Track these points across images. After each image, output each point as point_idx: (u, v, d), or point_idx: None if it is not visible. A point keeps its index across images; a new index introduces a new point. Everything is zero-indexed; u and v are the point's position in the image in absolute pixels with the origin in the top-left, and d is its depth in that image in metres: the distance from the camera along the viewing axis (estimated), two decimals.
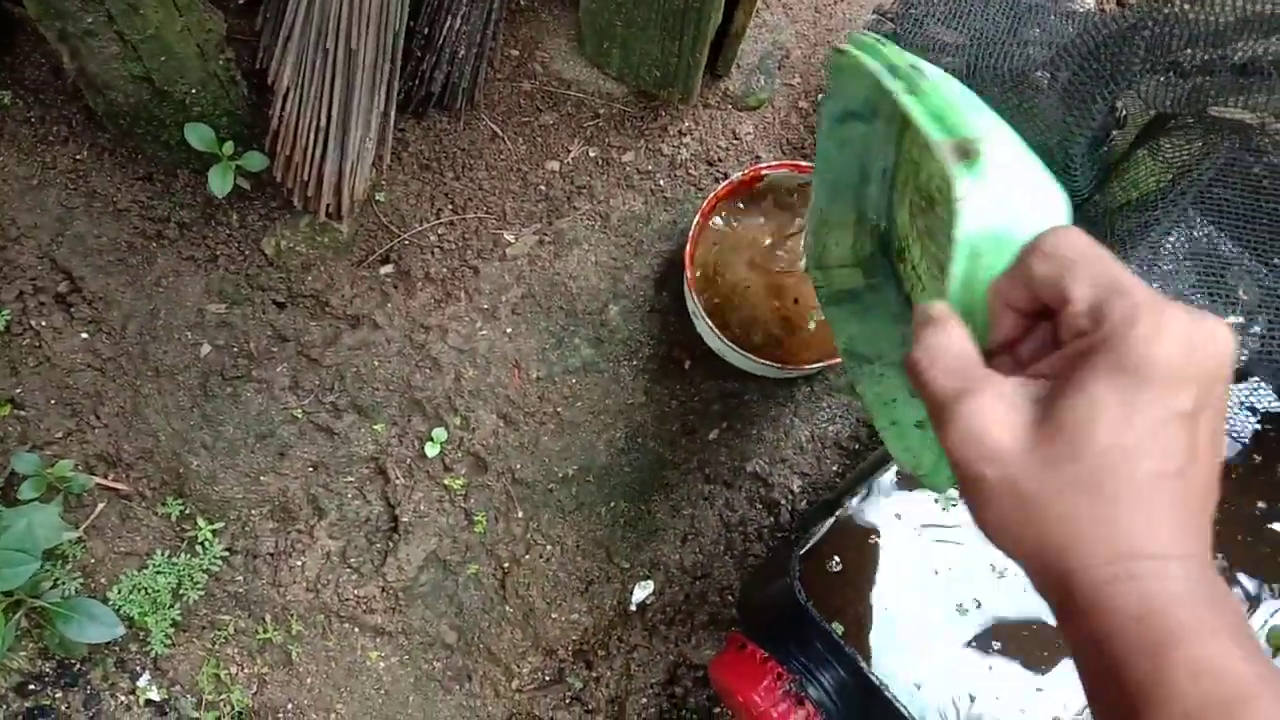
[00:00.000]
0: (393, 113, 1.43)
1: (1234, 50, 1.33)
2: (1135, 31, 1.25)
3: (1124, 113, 1.51)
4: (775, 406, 1.60)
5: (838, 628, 1.16)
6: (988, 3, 1.61)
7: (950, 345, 0.55)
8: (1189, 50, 1.33)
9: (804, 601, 1.15)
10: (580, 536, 1.60)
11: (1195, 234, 1.36)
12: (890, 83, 0.74)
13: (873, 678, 1.12)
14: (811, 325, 1.57)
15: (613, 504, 1.60)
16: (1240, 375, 1.28)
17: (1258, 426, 1.31)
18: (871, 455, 1.31)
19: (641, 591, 1.60)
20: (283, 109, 1.36)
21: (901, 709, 1.12)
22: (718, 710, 1.53)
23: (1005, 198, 0.62)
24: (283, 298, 1.60)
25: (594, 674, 1.58)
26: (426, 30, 1.43)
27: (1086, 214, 1.46)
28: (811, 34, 1.77)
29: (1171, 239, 1.34)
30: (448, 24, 1.40)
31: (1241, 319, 1.33)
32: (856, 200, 1.12)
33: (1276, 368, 1.24)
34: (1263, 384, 1.31)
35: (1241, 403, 1.31)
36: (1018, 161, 0.65)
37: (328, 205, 1.47)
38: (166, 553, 1.58)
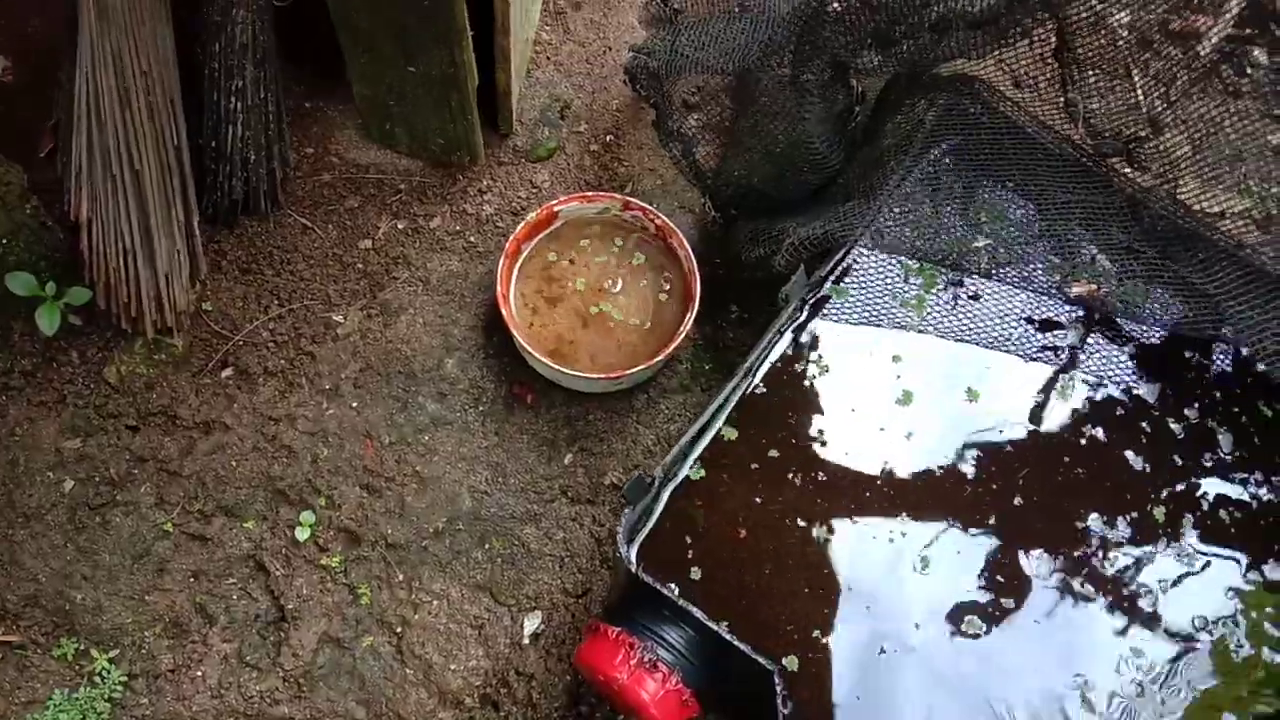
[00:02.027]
0: (196, 223, 1.57)
1: (926, 15, 1.52)
2: (819, 18, 1.44)
3: (860, 89, 1.70)
4: (618, 419, 1.72)
5: (673, 588, 1.27)
6: (729, 22, 1.81)
7: None
8: (883, 23, 1.52)
9: (635, 569, 1.26)
10: (463, 585, 1.69)
11: (939, 178, 1.53)
12: None
13: (711, 626, 1.22)
14: (634, 338, 1.71)
15: (487, 545, 1.70)
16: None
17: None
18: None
19: (531, 623, 1.69)
20: (89, 238, 1.49)
21: (744, 650, 1.22)
22: (621, 719, 1.61)
23: None
24: (134, 420, 1.70)
25: (501, 713, 1.65)
26: (214, 143, 1.58)
27: (844, 182, 1.63)
28: (588, 84, 1.96)
29: (908, 184, 1.50)
30: (231, 134, 1.56)
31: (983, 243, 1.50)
32: None
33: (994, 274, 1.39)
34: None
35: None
36: None
37: (154, 321, 1.59)
38: (66, 691, 1.63)
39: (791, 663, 1.26)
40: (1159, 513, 1.41)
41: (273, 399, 1.70)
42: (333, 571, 1.68)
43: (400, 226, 1.76)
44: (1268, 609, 1.38)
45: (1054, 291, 1.49)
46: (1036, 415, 1.45)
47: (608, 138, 1.95)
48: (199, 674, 1.66)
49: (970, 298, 1.55)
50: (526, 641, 1.68)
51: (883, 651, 1.31)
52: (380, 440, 1.70)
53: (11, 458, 1.67)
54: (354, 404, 1.71)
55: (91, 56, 1.37)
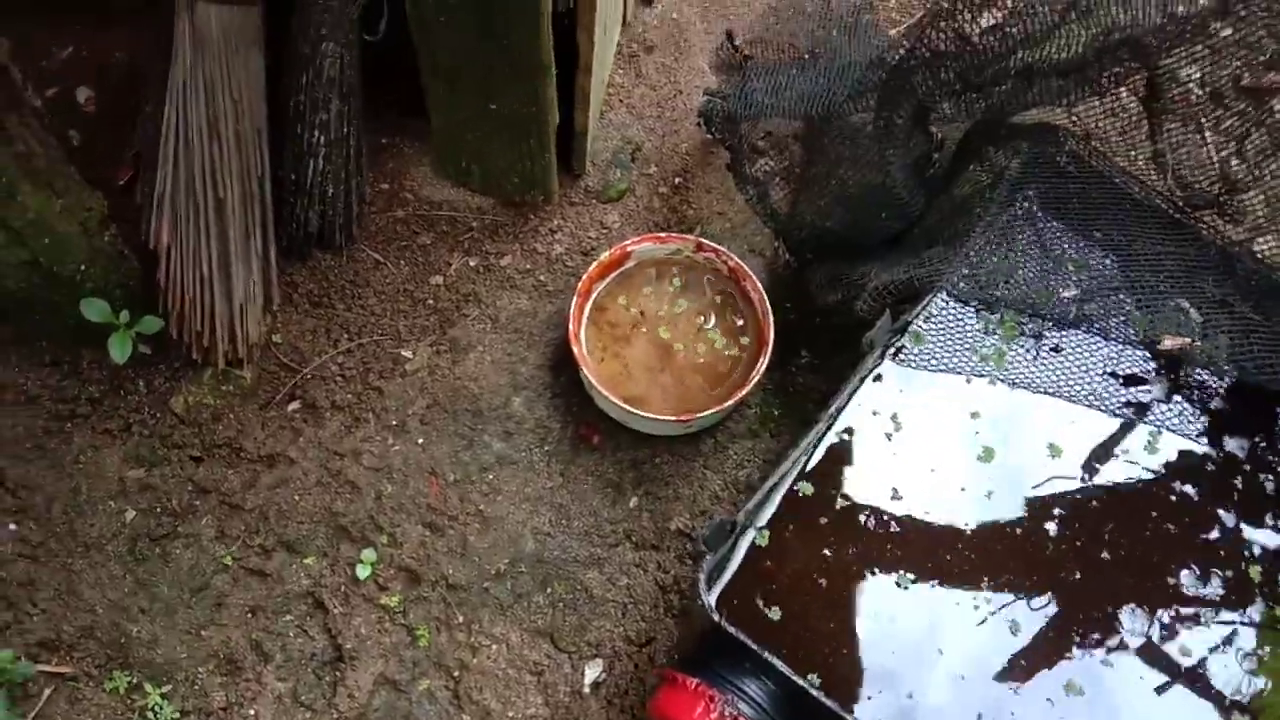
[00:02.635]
0: (273, 255, 1.58)
1: (1013, 61, 1.52)
2: (909, 62, 1.44)
3: (939, 136, 1.70)
4: (685, 463, 1.71)
5: (775, 611, 1.24)
6: (803, 69, 1.82)
7: None
8: (971, 68, 1.52)
9: (718, 618, 1.24)
10: (523, 629, 1.67)
11: (1026, 223, 1.52)
12: None
13: (797, 681, 1.20)
14: (705, 382, 1.70)
15: (549, 589, 1.68)
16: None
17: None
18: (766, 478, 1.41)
19: (592, 672, 1.66)
20: (167, 266, 1.51)
21: (830, 706, 1.19)
22: None
23: None
24: (198, 451, 1.70)
25: None
26: (294, 176, 1.60)
27: (925, 227, 1.62)
28: (659, 127, 1.97)
29: (994, 230, 1.50)
30: (312, 167, 1.57)
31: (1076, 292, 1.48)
32: None
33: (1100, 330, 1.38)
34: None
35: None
36: None
37: (225, 352, 1.60)
38: None
39: None
40: (1254, 571, 1.37)
41: (338, 434, 1.70)
42: (392, 611, 1.67)
43: (472, 264, 1.77)
44: None
45: (1143, 345, 1.47)
46: (1121, 471, 1.43)
47: (676, 180, 1.96)
48: (252, 713, 1.64)
49: (1051, 350, 1.53)
50: (587, 690, 1.65)
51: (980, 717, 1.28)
52: (445, 478, 1.70)
53: (74, 486, 1.68)
54: (420, 440, 1.70)
55: (184, 84, 1.39)
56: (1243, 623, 1.36)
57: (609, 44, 1.84)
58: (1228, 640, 1.36)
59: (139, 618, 1.66)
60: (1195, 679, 1.33)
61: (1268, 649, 1.35)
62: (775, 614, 1.30)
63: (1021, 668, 1.32)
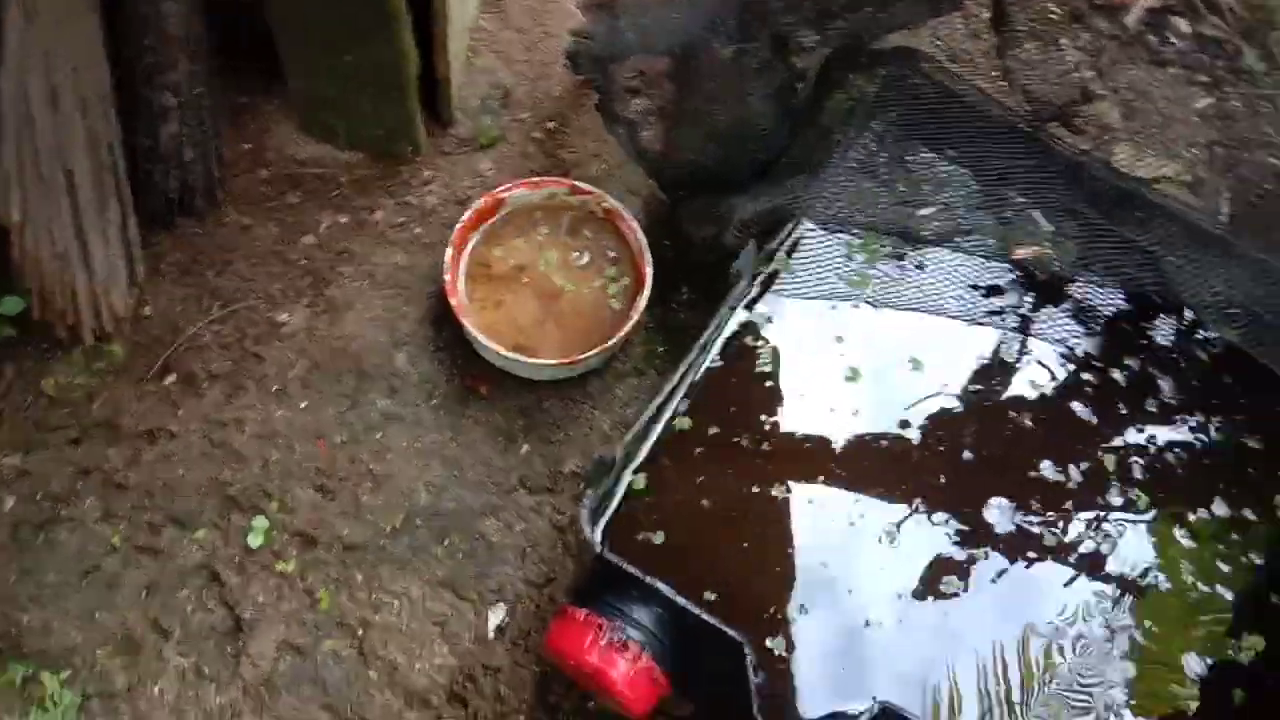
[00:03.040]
0: (133, 225, 1.56)
1: None
2: None
3: (799, 66, 1.73)
4: (574, 406, 1.74)
5: (638, 566, 1.29)
6: (669, 3, 1.83)
7: None
8: None
9: (600, 549, 1.28)
10: (424, 582, 1.69)
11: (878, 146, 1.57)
12: None
13: (676, 599, 1.25)
14: (586, 324, 1.73)
15: (446, 541, 1.70)
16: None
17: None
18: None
19: (495, 617, 1.70)
20: (21, 245, 1.47)
21: (713, 624, 1.24)
22: (591, 704, 1.62)
23: None
24: (76, 433, 1.68)
25: (470, 709, 1.66)
26: (148, 142, 1.57)
27: (791, 157, 1.66)
28: (529, 71, 1.98)
29: (852, 156, 1.55)
30: (165, 131, 1.55)
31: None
32: None
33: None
34: None
35: None
36: None
37: (93, 329, 1.57)
38: (18, 718, 1.60)
39: (778, 644, 1.30)
40: (1110, 460, 1.47)
41: (219, 403, 1.69)
42: (289, 577, 1.68)
43: (343, 221, 1.77)
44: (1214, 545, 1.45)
45: (999, 256, 1.54)
46: (981, 378, 1.51)
47: (551, 124, 1.97)
48: (156, 691, 1.64)
49: (916, 267, 1.60)
50: (491, 635, 1.69)
51: (867, 625, 1.35)
52: (332, 440, 1.70)
53: None
54: (303, 404, 1.70)
55: (19, 54, 1.35)
56: (1101, 507, 1.46)
57: None
58: (1093, 524, 1.46)
59: (28, 606, 1.64)
60: (1066, 561, 1.42)
61: (1126, 528, 1.45)
62: (659, 539, 1.35)
63: (903, 572, 1.39)
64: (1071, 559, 1.42)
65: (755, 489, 1.42)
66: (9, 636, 1.63)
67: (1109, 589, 1.42)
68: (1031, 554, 1.42)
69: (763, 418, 1.46)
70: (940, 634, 1.36)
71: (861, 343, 1.51)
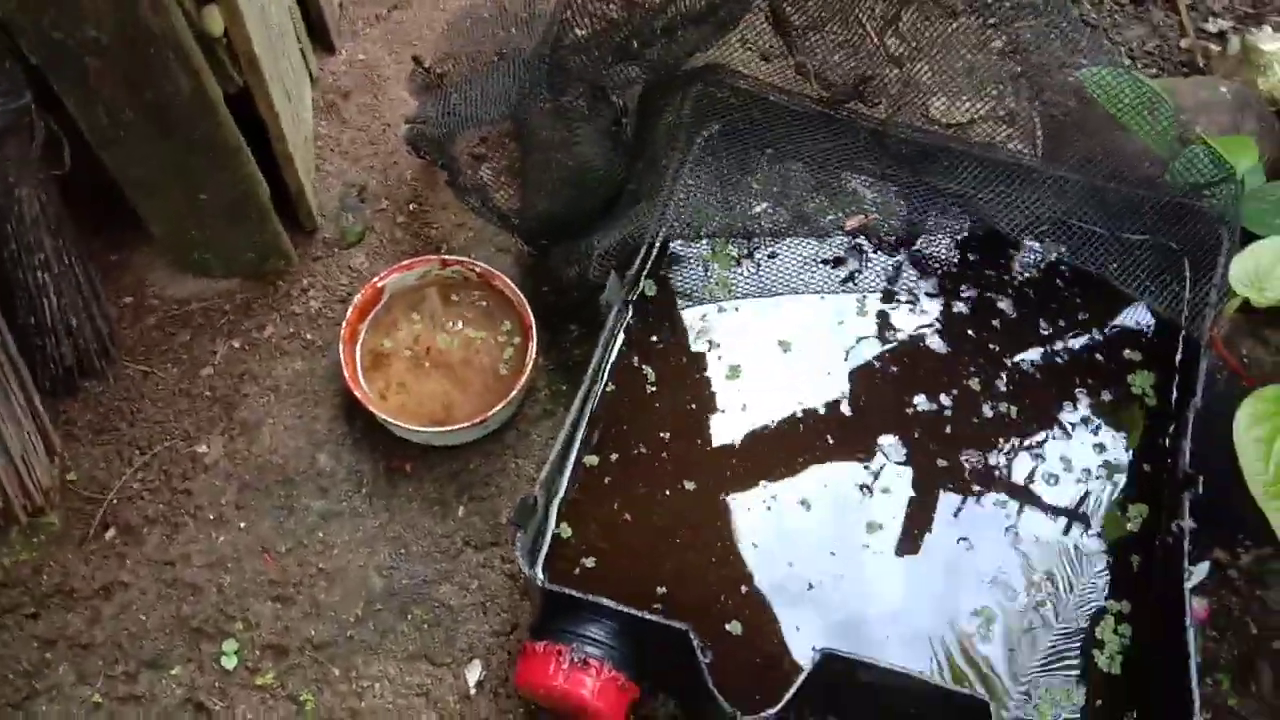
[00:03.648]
0: (38, 401, 1.64)
1: (657, 22, 1.71)
2: (560, 49, 1.62)
3: (620, 102, 1.89)
4: (497, 460, 1.86)
5: (578, 589, 1.42)
6: (493, 71, 1.97)
7: None
8: (621, 39, 1.71)
9: (541, 582, 1.40)
10: (398, 660, 1.79)
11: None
12: None
13: (616, 608, 1.37)
14: (488, 382, 1.85)
15: (409, 616, 1.80)
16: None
17: None
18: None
19: (473, 674, 1.80)
20: None
21: (657, 621, 1.37)
22: None
23: None
24: (32, 608, 1.74)
25: None
26: (33, 320, 1.66)
27: (630, 189, 1.81)
28: (377, 164, 2.10)
29: (685, 175, 1.70)
30: (47, 307, 1.63)
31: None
32: None
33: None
34: None
35: None
36: None
37: (24, 506, 1.65)
38: None
39: (734, 626, 1.44)
40: (975, 383, 1.64)
41: (162, 544, 1.77)
42: (270, 688, 1.76)
43: (236, 345, 1.86)
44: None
45: (834, 231, 1.71)
46: (842, 338, 1.67)
47: (411, 207, 2.09)
48: None
49: (769, 257, 1.76)
50: (473, 692, 1.79)
51: (810, 588, 1.50)
52: (277, 550, 1.79)
53: None
54: (241, 525, 1.79)
55: None
56: (974, 423, 1.63)
57: (300, 103, 1.95)
58: (975, 442, 1.63)
59: None
60: (960, 480, 1.59)
61: (1007, 441, 1.62)
62: (591, 563, 1.48)
63: (827, 532, 1.54)
64: (966, 476, 1.59)
65: (670, 492, 1.56)
66: None
67: (1008, 499, 1.59)
68: (932, 479, 1.58)
69: (660, 430, 1.60)
70: (882, 574, 1.52)
71: (733, 341, 1.67)
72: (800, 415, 1.61)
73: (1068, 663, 1.48)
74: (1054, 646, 1.49)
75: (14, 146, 1.49)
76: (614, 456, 1.57)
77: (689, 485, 1.56)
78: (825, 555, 1.56)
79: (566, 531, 1.53)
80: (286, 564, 1.80)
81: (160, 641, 1.76)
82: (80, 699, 1.74)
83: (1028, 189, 1.62)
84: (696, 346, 1.65)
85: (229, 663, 1.75)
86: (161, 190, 1.64)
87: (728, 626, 1.50)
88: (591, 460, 1.56)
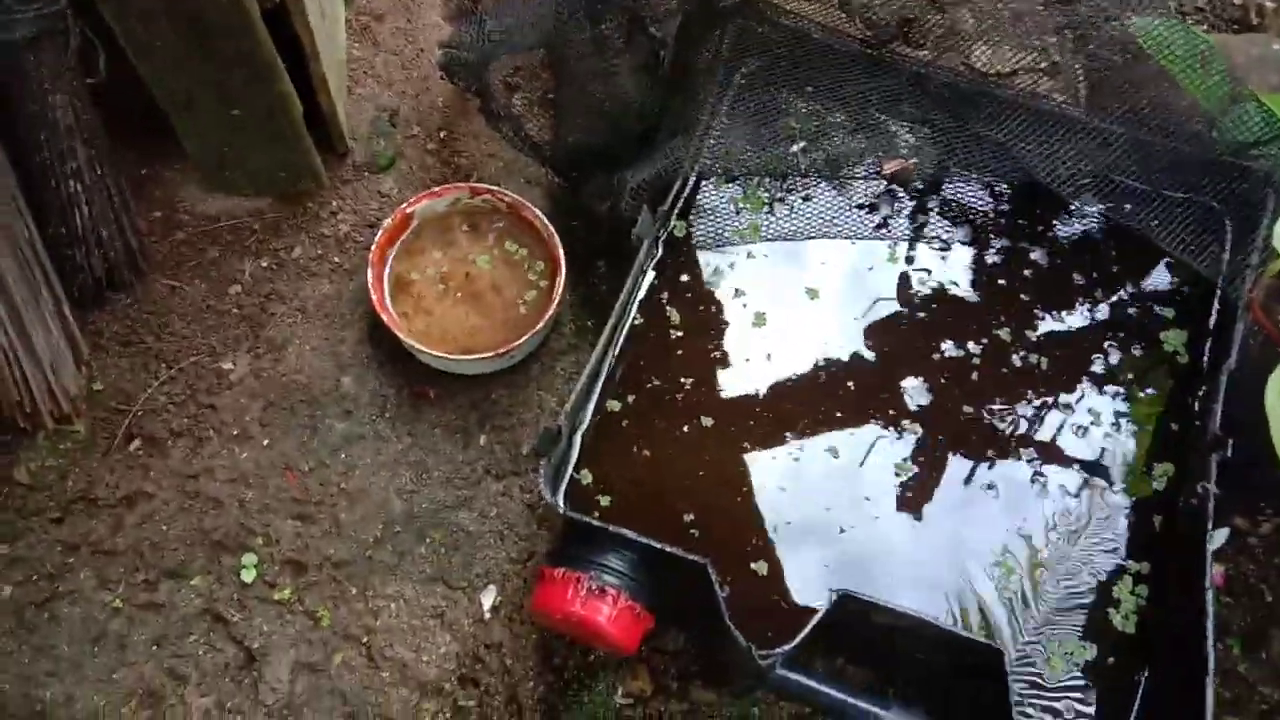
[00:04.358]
0: (67, 310, 1.64)
1: None
2: None
3: (659, 34, 1.85)
4: (520, 391, 1.86)
5: (598, 517, 1.42)
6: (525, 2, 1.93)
7: None
8: None
9: (564, 510, 1.41)
10: (415, 582, 1.81)
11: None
12: None
13: (637, 539, 1.38)
14: (514, 313, 1.85)
15: (428, 540, 1.82)
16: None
17: None
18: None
19: (487, 598, 1.82)
20: None
21: (669, 551, 1.38)
22: (592, 657, 1.76)
23: None
24: (56, 513, 1.77)
25: (481, 688, 1.79)
26: (64, 229, 1.66)
27: (666, 122, 1.79)
28: (409, 88, 2.07)
29: (722, 111, 1.68)
30: (78, 216, 1.63)
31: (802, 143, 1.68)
32: None
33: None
34: None
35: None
36: None
37: (51, 412, 1.66)
38: None
39: (760, 567, 1.44)
40: (1004, 334, 1.63)
41: (186, 457, 1.79)
42: (288, 603, 1.79)
43: (264, 265, 1.86)
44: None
45: (871, 175, 1.68)
46: (871, 286, 1.66)
47: (442, 134, 2.07)
48: None
49: (803, 199, 1.73)
50: (488, 615, 1.81)
51: (842, 531, 1.50)
52: (300, 469, 1.81)
53: None
54: (265, 442, 1.81)
55: None
56: (1003, 373, 1.62)
57: (335, 23, 1.92)
58: (1004, 393, 1.62)
59: (48, 681, 1.73)
60: (993, 430, 1.58)
61: (1032, 394, 1.61)
62: (607, 501, 1.49)
63: (858, 478, 1.54)
64: (993, 425, 1.58)
65: (686, 429, 1.55)
66: (35, 714, 1.72)
67: (1034, 451, 1.59)
68: (959, 428, 1.57)
69: (683, 373, 1.60)
70: (905, 522, 1.52)
71: (761, 288, 1.65)
72: (825, 363, 1.60)
73: (1081, 617, 1.48)
74: (1070, 600, 1.49)
75: (48, 52, 1.47)
76: (633, 398, 1.57)
77: (708, 423, 1.56)
78: (849, 500, 1.56)
79: (587, 477, 1.53)
80: (308, 483, 1.81)
81: (181, 552, 1.78)
82: (101, 603, 1.77)
83: (1071, 140, 1.58)
84: (723, 291, 1.64)
85: (248, 576, 1.78)
86: (195, 105, 1.63)
87: (753, 566, 1.51)
88: (613, 405, 1.56)
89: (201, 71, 1.56)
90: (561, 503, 1.43)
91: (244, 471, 1.80)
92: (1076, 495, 1.55)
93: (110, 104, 1.70)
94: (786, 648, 1.32)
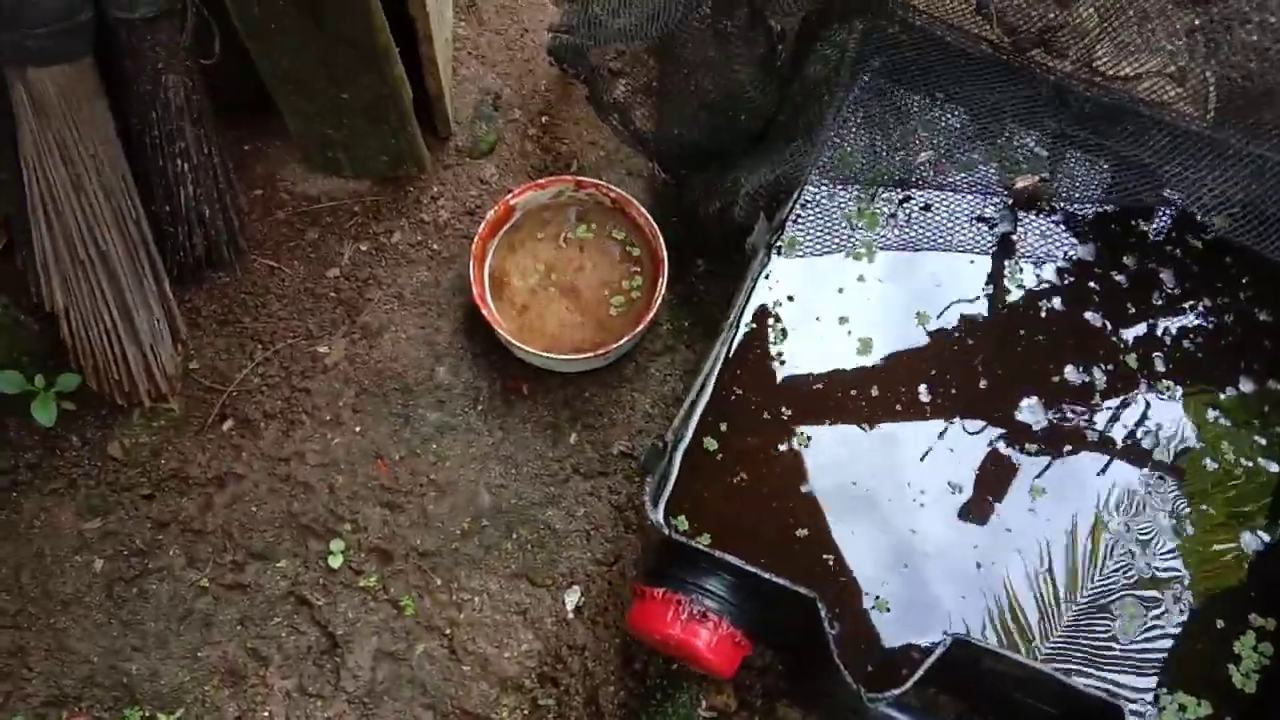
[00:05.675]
0: (168, 288, 1.61)
1: None
2: None
3: (778, 28, 1.76)
4: (613, 391, 1.81)
5: (705, 538, 1.36)
6: None
7: None
8: None
9: (667, 531, 1.35)
10: (500, 577, 1.78)
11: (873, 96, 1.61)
12: None
13: (745, 568, 1.32)
14: (613, 312, 1.79)
15: (515, 535, 1.78)
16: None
17: None
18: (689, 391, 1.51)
19: (571, 598, 1.78)
20: (69, 326, 1.53)
21: (777, 582, 1.32)
22: (675, 666, 1.71)
23: None
24: (148, 489, 1.75)
25: (561, 688, 1.75)
26: (169, 208, 1.62)
27: (781, 121, 1.70)
28: (513, 71, 2.00)
29: (844, 113, 1.58)
30: (183, 195, 1.59)
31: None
32: None
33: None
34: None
35: None
36: None
37: (148, 391, 1.64)
38: None
39: (863, 599, 1.38)
40: (1131, 359, 1.53)
41: (278, 440, 1.76)
42: (373, 591, 1.76)
43: (363, 248, 1.82)
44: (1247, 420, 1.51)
45: (1000, 190, 1.58)
46: (985, 307, 1.57)
47: (544, 119, 2.00)
48: (265, 714, 1.74)
49: (923, 209, 1.64)
50: (571, 616, 1.78)
51: (924, 554, 1.43)
52: (391, 457, 1.77)
53: (37, 550, 1.72)
54: (357, 428, 1.77)
55: (36, 149, 1.40)
56: (1130, 399, 1.53)
57: (445, 3, 1.85)
58: (1117, 416, 1.53)
59: (134, 656, 1.73)
60: (1106, 452, 1.49)
61: (1155, 421, 1.52)
62: (718, 513, 1.43)
63: (953, 499, 1.47)
64: (1111, 449, 1.49)
65: (799, 450, 1.49)
66: (122, 686, 1.72)
67: (1152, 476, 1.50)
68: (1069, 449, 1.49)
69: (797, 378, 1.53)
70: (997, 542, 1.45)
71: (866, 318, 1.57)
72: (920, 394, 1.51)
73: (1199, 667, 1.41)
74: (1182, 646, 1.41)
75: (165, 33, 1.43)
76: (743, 408, 1.50)
77: (805, 440, 1.49)
78: (951, 516, 1.48)
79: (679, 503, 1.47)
80: (399, 472, 1.78)
81: (269, 534, 1.76)
82: (189, 581, 1.75)
83: (1220, 165, 1.47)
84: (827, 316, 1.56)
85: (334, 561, 1.75)
86: (305, 85, 1.57)
87: (848, 596, 1.45)
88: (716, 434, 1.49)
89: (314, 53, 1.50)
90: (664, 522, 1.37)
91: (335, 457, 1.77)
92: (1205, 538, 1.46)
93: (217, 81, 1.66)
94: (896, 692, 1.26)
